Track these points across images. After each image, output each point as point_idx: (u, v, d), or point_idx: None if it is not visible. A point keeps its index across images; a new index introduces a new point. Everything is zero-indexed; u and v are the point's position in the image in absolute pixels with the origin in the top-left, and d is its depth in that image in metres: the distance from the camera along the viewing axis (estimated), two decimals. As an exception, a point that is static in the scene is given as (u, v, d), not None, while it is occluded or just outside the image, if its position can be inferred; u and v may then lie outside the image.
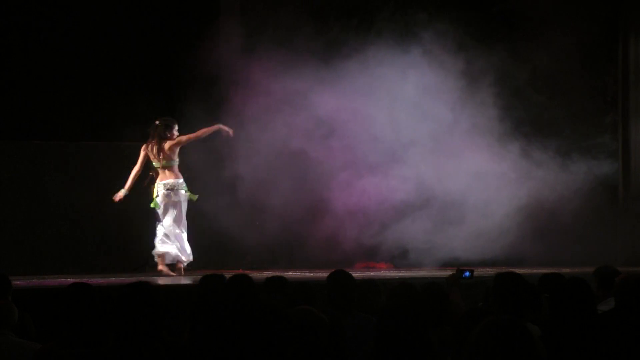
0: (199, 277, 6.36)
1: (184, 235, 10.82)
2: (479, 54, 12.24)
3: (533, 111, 12.53)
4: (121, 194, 10.82)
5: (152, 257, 11.57)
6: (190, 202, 11.19)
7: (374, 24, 11.80)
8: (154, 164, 10.81)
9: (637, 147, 13.02)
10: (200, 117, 11.51)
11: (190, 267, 11.93)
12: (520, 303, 5.24)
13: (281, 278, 6.41)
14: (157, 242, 10.77)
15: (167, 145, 10.76)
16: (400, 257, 12.11)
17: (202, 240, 12.26)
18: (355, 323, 5.28)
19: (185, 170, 11.97)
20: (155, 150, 10.77)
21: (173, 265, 10.76)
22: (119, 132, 11.95)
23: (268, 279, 6.34)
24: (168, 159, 10.78)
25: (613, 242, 13.03)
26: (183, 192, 10.85)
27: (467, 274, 6.37)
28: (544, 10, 12.88)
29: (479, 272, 8.10)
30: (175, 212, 10.82)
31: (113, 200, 10.84)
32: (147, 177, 11.00)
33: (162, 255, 10.72)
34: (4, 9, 11.80)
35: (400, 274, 10.81)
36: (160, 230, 10.81)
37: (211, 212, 12.29)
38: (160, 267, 10.71)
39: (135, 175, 10.85)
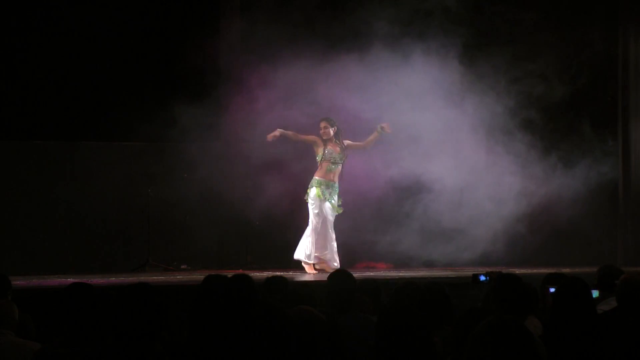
0: (200, 277, 6.36)
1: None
2: (480, 53, 12.24)
3: (533, 111, 12.52)
4: (277, 133, 10.90)
5: (151, 257, 11.58)
6: (193, 202, 11.29)
7: (376, 20, 11.78)
8: None
9: (637, 147, 13.02)
10: (200, 116, 11.52)
11: (190, 267, 11.94)
12: (520, 305, 5.24)
13: (281, 278, 6.41)
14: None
15: None
16: (399, 258, 12.11)
17: (203, 240, 12.28)
18: (355, 323, 5.28)
19: (185, 170, 11.99)
20: None
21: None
22: (119, 132, 11.96)
23: (268, 279, 6.34)
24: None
25: (613, 242, 13.03)
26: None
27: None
28: (545, 10, 12.88)
29: (477, 272, 8.07)
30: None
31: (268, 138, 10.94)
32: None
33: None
34: (4, 9, 11.79)
35: (400, 274, 10.81)
36: None
37: (212, 213, 12.31)
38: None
39: (298, 139, 11.03)
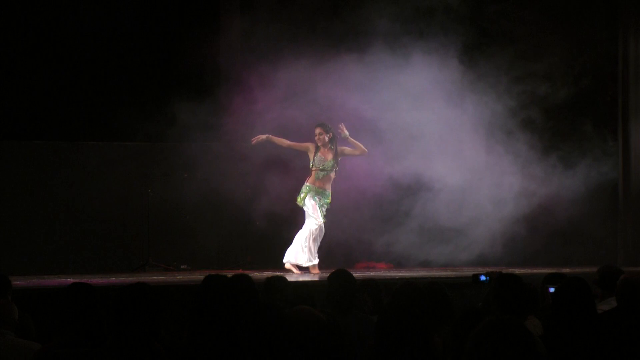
0: (200, 277, 6.36)
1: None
2: (480, 53, 12.24)
3: (534, 111, 12.52)
4: (263, 137, 10.89)
5: (151, 257, 11.58)
6: (193, 202, 11.27)
7: (377, 18, 11.77)
8: None
9: (637, 147, 13.01)
10: (200, 116, 11.53)
11: (190, 267, 11.94)
12: (520, 305, 5.24)
13: (281, 278, 6.41)
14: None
15: None
16: (400, 257, 12.10)
17: (203, 240, 12.28)
18: (355, 323, 5.28)
19: (185, 170, 11.99)
20: None
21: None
22: (119, 132, 11.96)
23: (268, 279, 6.34)
24: None
25: (613, 242, 13.02)
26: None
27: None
28: (545, 10, 12.88)
29: (477, 272, 8.08)
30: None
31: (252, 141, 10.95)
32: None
33: None
34: (5, 9, 11.79)
35: (400, 274, 10.80)
36: None
37: (212, 213, 12.30)
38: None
39: (287, 145, 10.97)
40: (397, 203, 12.26)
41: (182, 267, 11.94)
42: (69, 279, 9.28)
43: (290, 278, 10.14)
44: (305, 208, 10.83)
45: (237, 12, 12.41)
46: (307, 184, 10.86)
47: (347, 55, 11.51)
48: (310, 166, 10.88)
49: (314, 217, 10.79)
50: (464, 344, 3.04)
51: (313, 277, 10.37)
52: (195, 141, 11.87)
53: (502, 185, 12.12)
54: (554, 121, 12.84)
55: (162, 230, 11.97)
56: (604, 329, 4.60)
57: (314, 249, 10.79)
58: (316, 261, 10.79)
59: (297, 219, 11.75)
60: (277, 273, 8.84)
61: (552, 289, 5.49)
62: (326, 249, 11.29)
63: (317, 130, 10.83)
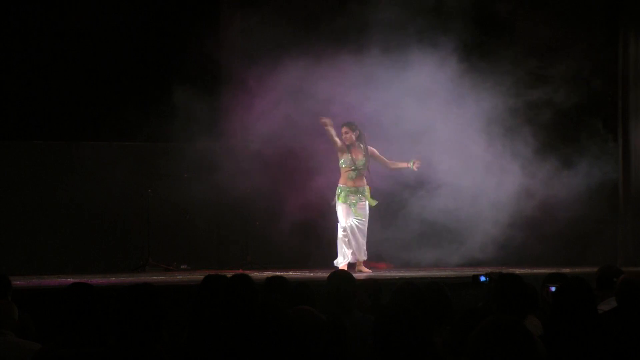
0: (200, 277, 6.35)
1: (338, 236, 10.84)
2: (480, 53, 12.23)
3: (533, 111, 12.52)
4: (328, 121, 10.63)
5: (151, 257, 11.58)
6: (193, 202, 11.25)
7: (381, 15, 11.75)
8: None
9: (637, 147, 13.02)
10: (201, 116, 11.53)
11: (190, 267, 11.94)
12: (520, 305, 5.25)
13: (281, 278, 6.41)
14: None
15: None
16: (400, 257, 12.10)
17: (203, 240, 12.28)
18: (355, 323, 5.28)
19: (185, 170, 11.99)
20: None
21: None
22: (120, 132, 11.96)
23: (268, 279, 6.34)
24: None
25: (613, 242, 13.02)
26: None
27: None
28: (545, 11, 12.88)
29: (477, 272, 8.09)
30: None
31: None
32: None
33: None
34: (4, 9, 11.79)
35: (400, 273, 10.80)
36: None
37: (212, 213, 12.30)
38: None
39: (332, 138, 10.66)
40: (399, 203, 12.24)
41: (182, 267, 11.94)
42: (69, 279, 9.27)
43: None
44: (337, 210, 10.79)
45: (237, 9, 12.40)
46: (340, 185, 10.76)
47: (348, 53, 11.49)
48: (342, 166, 10.77)
49: (340, 220, 10.76)
50: (464, 344, 3.04)
51: (314, 276, 10.37)
52: (196, 141, 11.87)
53: (502, 185, 12.10)
54: (555, 121, 12.83)
55: (162, 230, 11.96)
56: (604, 329, 4.60)
57: (341, 250, 10.79)
58: (341, 262, 10.78)
59: (297, 218, 11.75)
60: (277, 273, 8.84)
61: (552, 289, 5.50)
62: (326, 248, 11.28)
63: (344, 129, 10.70)
